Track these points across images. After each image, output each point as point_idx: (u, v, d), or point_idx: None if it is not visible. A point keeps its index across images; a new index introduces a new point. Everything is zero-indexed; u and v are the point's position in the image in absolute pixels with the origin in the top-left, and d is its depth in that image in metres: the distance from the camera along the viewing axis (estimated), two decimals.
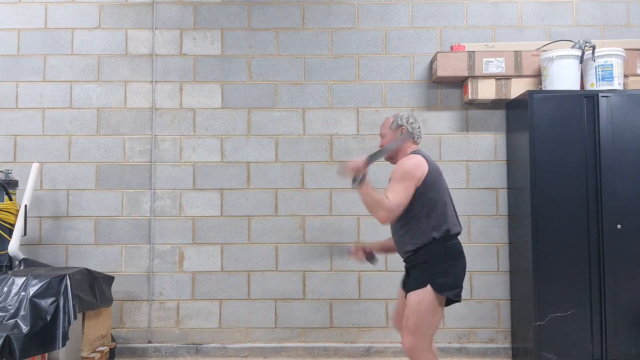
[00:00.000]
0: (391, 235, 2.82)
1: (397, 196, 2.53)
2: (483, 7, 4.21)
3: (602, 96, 3.61)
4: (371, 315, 4.04)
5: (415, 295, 2.58)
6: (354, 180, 2.55)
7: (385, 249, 2.98)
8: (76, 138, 4.16)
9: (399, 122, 2.77)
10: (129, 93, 4.19)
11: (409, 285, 2.66)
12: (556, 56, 3.74)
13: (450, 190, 4.07)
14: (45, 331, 3.08)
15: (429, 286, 2.55)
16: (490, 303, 4.06)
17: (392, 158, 2.77)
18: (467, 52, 3.95)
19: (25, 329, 2.99)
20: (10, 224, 3.71)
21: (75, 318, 3.20)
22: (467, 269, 4.00)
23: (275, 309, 4.07)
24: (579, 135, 3.61)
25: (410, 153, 2.71)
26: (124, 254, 4.10)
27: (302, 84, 4.18)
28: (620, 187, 3.56)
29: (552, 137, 3.61)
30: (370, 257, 2.90)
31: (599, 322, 3.51)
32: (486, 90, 3.94)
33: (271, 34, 4.21)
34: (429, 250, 2.61)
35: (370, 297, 4.05)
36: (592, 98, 3.62)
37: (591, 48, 3.74)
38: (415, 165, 2.60)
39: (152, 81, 4.19)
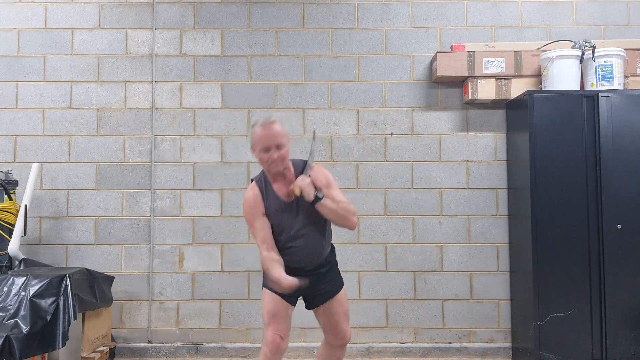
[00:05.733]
0: (296, 250, 2.54)
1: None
2: (483, 7, 4.21)
3: (602, 96, 3.61)
4: (371, 315, 4.04)
5: (343, 293, 2.69)
6: (316, 196, 2.47)
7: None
8: (76, 138, 4.16)
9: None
10: (129, 93, 4.19)
11: (332, 289, 2.66)
12: (556, 56, 3.74)
13: (450, 190, 4.13)
14: (45, 331, 3.08)
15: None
16: (490, 303, 4.06)
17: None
18: (467, 52, 3.95)
19: (25, 329, 2.99)
20: (10, 224, 3.71)
21: (75, 318, 3.20)
22: (467, 269, 4.06)
23: None
24: (579, 135, 3.60)
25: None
26: (124, 254, 4.10)
27: (302, 84, 4.18)
28: (620, 187, 3.56)
29: (552, 137, 3.61)
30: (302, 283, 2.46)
31: (599, 322, 3.51)
32: (486, 90, 3.94)
33: (271, 34, 4.21)
34: (333, 249, 2.74)
35: (369, 297, 4.05)
36: (592, 98, 3.62)
37: (591, 48, 3.74)
38: None
39: (152, 81, 4.19)
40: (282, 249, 2.56)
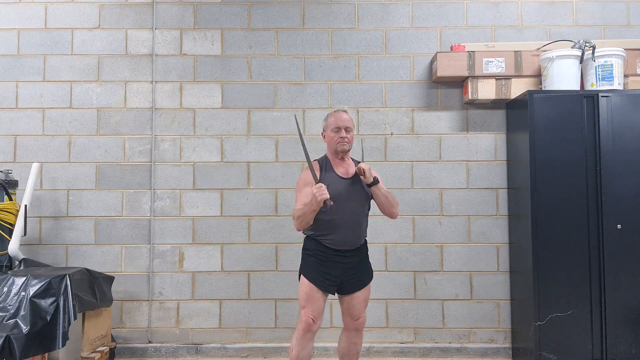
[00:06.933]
0: (339, 223, 2.85)
1: None
2: (483, 7, 4.21)
3: (602, 96, 3.61)
4: (371, 315, 4.02)
5: (370, 284, 3.04)
6: (375, 179, 2.87)
7: None
8: (76, 138, 4.16)
9: None
10: (129, 93, 4.19)
11: (365, 281, 3.00)
12: (556, 56, 3.74)
13: (450, 190, 4.13)
14: (45, 331, 3.08)
15: None
16: (490, 303, 4.06)
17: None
18: (467, 52, 3.95)
19: (25, 329, 3.00)
20: (10, 224, 3.71)
21: (75, 318, 3.20)
22: (467, 269, 4.06)
23: (275, 309, 4.07)
24: (579, 135, 3.61)
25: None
26: (124, 254, 4.10)
27: (302, 84, 4.18)
28: (620, 187, 3.56)
29: (552, 137, 3.61)
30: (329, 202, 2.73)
31: (599, 322, 3.51)
32: (486, 90, 3.94)
33: (271, 34, 4.21)
34: (366, 243, 3.05)
35: (370, 297, 4.04)
36: (592, 98, 3.62)
37: (591, 48, 3.74)
38: None
39: (152, 81, 4.19)
40: (327, 220, 2.83)
